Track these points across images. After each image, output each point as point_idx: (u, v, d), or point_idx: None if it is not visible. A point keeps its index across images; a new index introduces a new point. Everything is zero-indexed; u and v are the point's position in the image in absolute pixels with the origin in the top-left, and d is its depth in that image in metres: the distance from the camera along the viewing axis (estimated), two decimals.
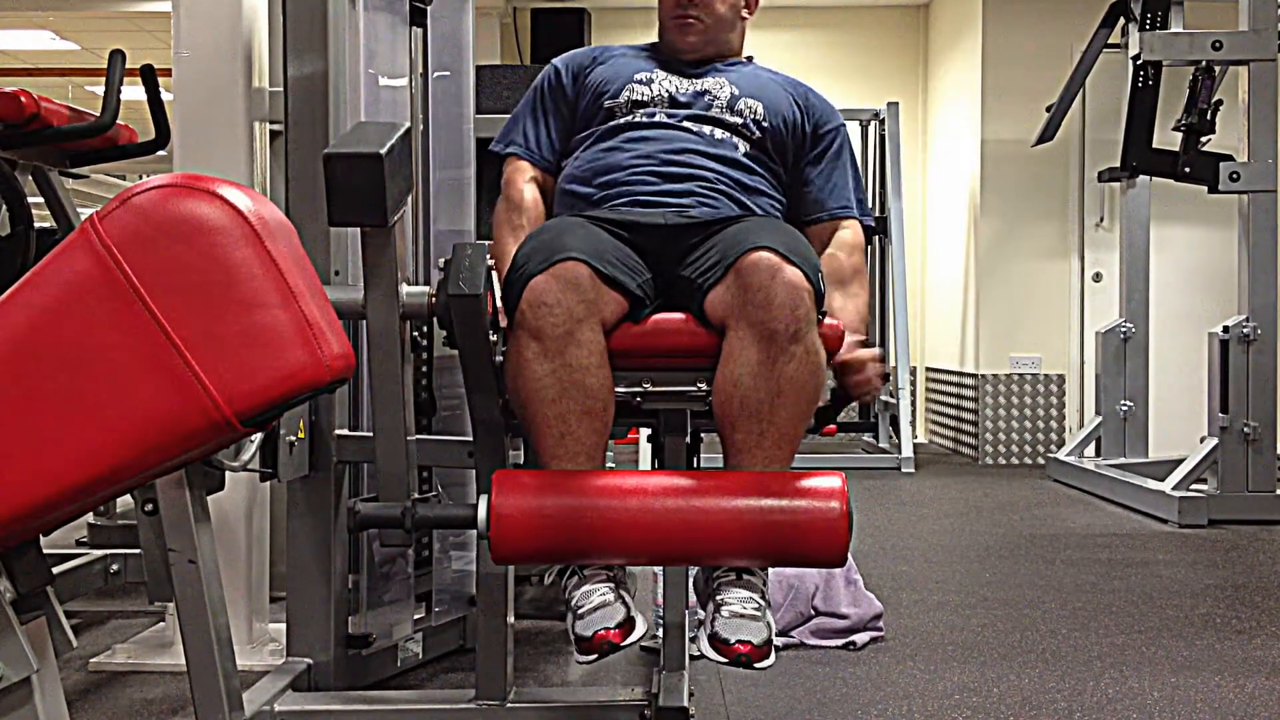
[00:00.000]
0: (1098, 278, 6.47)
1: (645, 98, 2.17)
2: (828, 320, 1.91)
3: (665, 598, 2.37)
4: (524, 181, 2.20)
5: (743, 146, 2.14)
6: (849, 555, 2.91)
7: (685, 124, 2.14)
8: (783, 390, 1.77)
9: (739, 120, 2.16)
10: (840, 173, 2.24)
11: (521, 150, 2.23)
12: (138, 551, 2.84)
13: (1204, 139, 4.92)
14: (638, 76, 2.21)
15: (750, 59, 2.34)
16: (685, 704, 1.99)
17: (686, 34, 2.24)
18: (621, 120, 2.16)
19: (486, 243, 1.87)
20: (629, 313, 1.86)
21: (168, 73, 2.77)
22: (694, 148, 2.10)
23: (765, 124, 2.17)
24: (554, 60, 2.31)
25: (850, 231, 2.21)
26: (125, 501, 3.49)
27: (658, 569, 2.63)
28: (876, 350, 2.02)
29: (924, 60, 7.70)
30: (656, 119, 2.14)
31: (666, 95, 2.18)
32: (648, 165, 2.08)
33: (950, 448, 7.10)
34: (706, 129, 2.14)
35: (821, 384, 1.83)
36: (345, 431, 2.26)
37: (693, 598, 2.67)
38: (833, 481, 1.70)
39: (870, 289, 6.79)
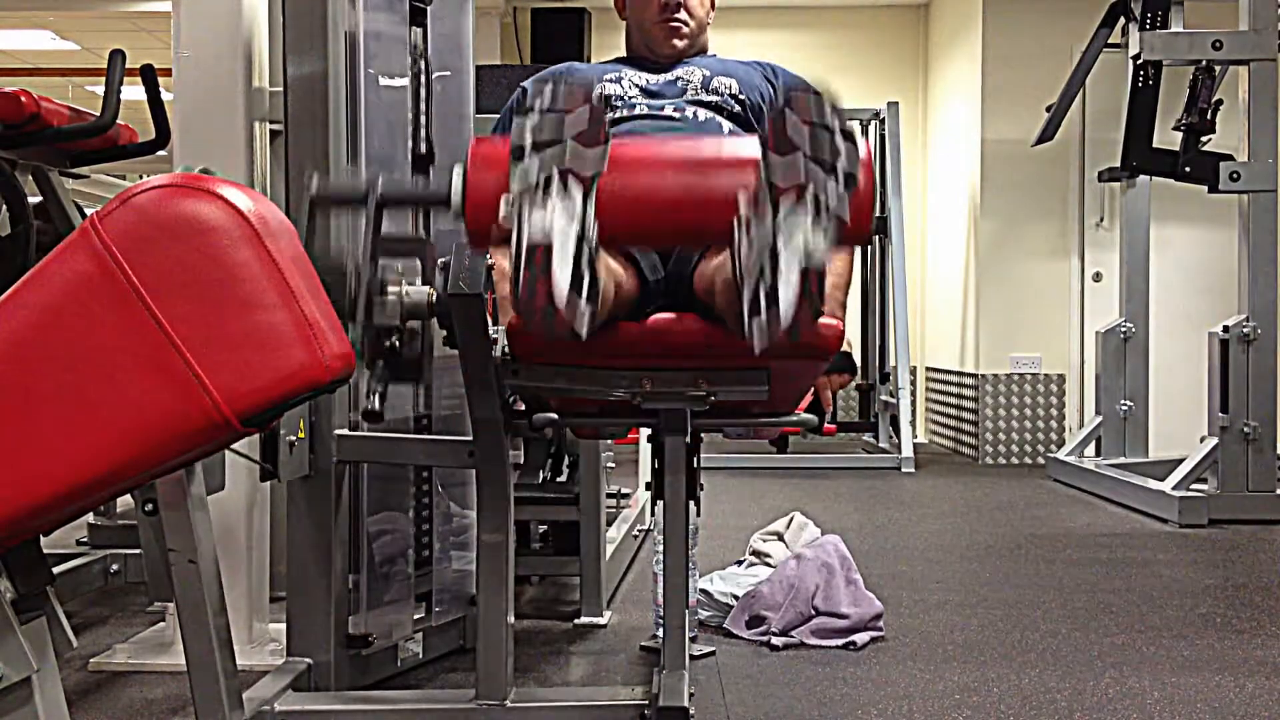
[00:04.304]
0: (1098, 278, 6.47)
1: (617, 92, 2.20)
2: (823, 320, 1.92)
3: (665, 598, 2.36)
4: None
5: (726, 125, 2.17)
6: (847, 555, 2.92)
7: (667, 111, 2.16)
8: None
9: (717, 98, 2.19)
10: None
11: None
12: (138, 551, 2.84)
13: (1204, 139, 4.92)
14: (607, 77, 2.24)
15: (714, 55, 2.37)
16: (685, 704, 1.98)
17: (674, 37, 2.27)
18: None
19: None
20: (637, 299, 1.86)
21: (168, 73, 2.77)
22: (682, 130, 2.12)
23: (743, 98, 2.20)
24: (521, 83, 2.35)
25: None
26: (125, 501, 3.49)
27: (658, 568, 2.63)
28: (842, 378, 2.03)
29: (924, 60, 7.70)
30: (637, 110, 2.16)
31: (638, 88, 2.20)
32: None
33: (950, 448, 7.10)
34: (689, 110, 2.16)
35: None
36: (345, 431, 2.26)
37: (693, 597, 2.68)
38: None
39: (870, 289, 6.83)
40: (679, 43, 2.28)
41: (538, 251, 1.37)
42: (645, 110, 2.16)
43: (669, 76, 2.24)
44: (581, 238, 1.38)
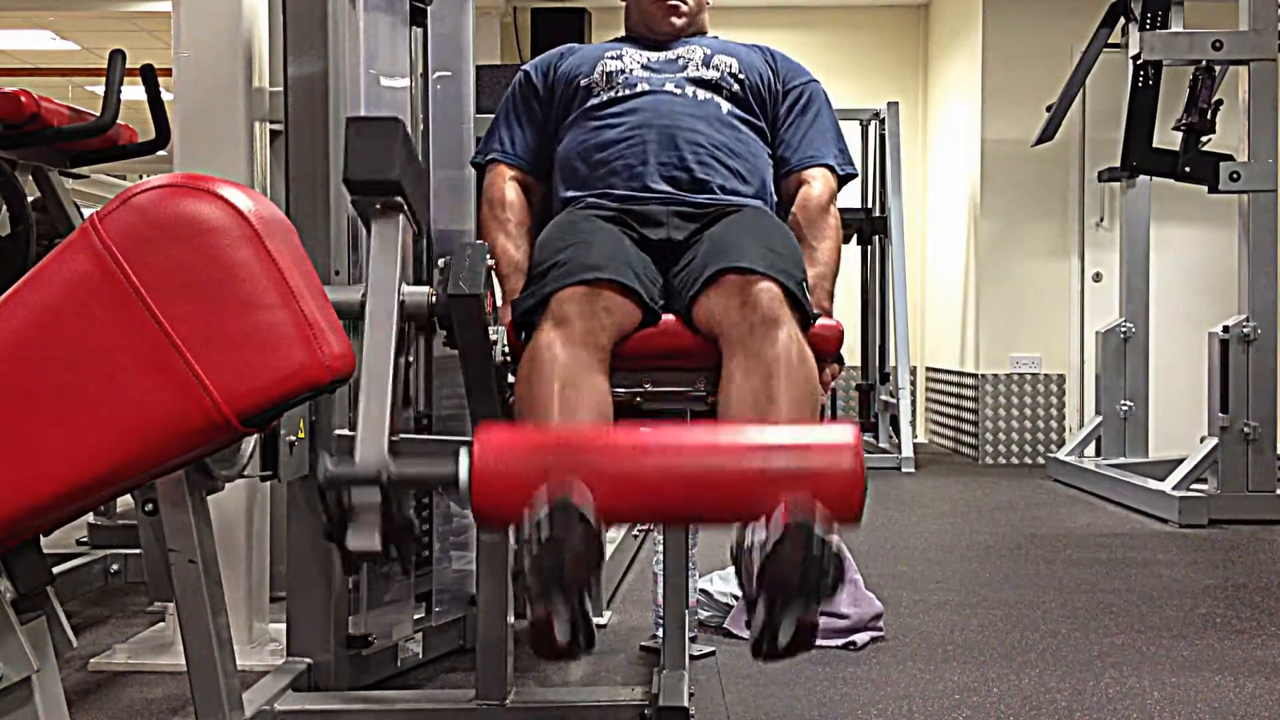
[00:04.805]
0: (1098, 278, 6.47)
1: (619, 67, 2.21)
2: (822, 321, 1.92)
3: (665, 598, 2.37)
4: (504, 182, 2.23)
5: (725, 105, 2.18)
6: (847, 555, 2.92)
7: (667, 88, 2.17)
8: (774, 374, 1.74)
9: (716, 75, 2.20)
10: (813, 126, 2.25)
11: (499, 154, 2.27)
12: (138, 551, 2.84)
13: (1204, 139, 4.92)
14: (609, 54, 2.25)
15: (715, 36, 2.38)
16: (685, 704, 1.99)
17: (672, 15, 2.29)
18: (605, 96, 2.19)
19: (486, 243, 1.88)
20: (641, 323, 1.88)
21: (168, 73, 2.77)
22: (681, 110, 2.14)
23: (742, 77, 2.21)
24: (523, 66, 2.35)
25: (819, 182, 2.19)
26: (125, 501, 3.49)
27: (658, 568, 2.63)
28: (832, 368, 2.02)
29: (924, 60, 7.70)
30: (638, 88, 2.17)
31: (639, 64, 2.22)
32: (639, 136, 2.11)
33: (950, 448, 7.10)
34: (689, 89, 2.17)
35: (813, 372, 1.80)
36: (345, 431, 2.26)
37: (693, 597, 2.68)
38: (844, 433, 1.49)
39: (870, 289, 6.83)
40: (677, 20, 2.29)
41: (539, 627, 1.41)
42: (646, 87, 2.17)
43: (669, 54, 2.25)
44: (575, 623, 1.42)
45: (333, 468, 1.53)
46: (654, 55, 2.25)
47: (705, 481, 1.50)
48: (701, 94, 2.17)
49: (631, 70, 2.20)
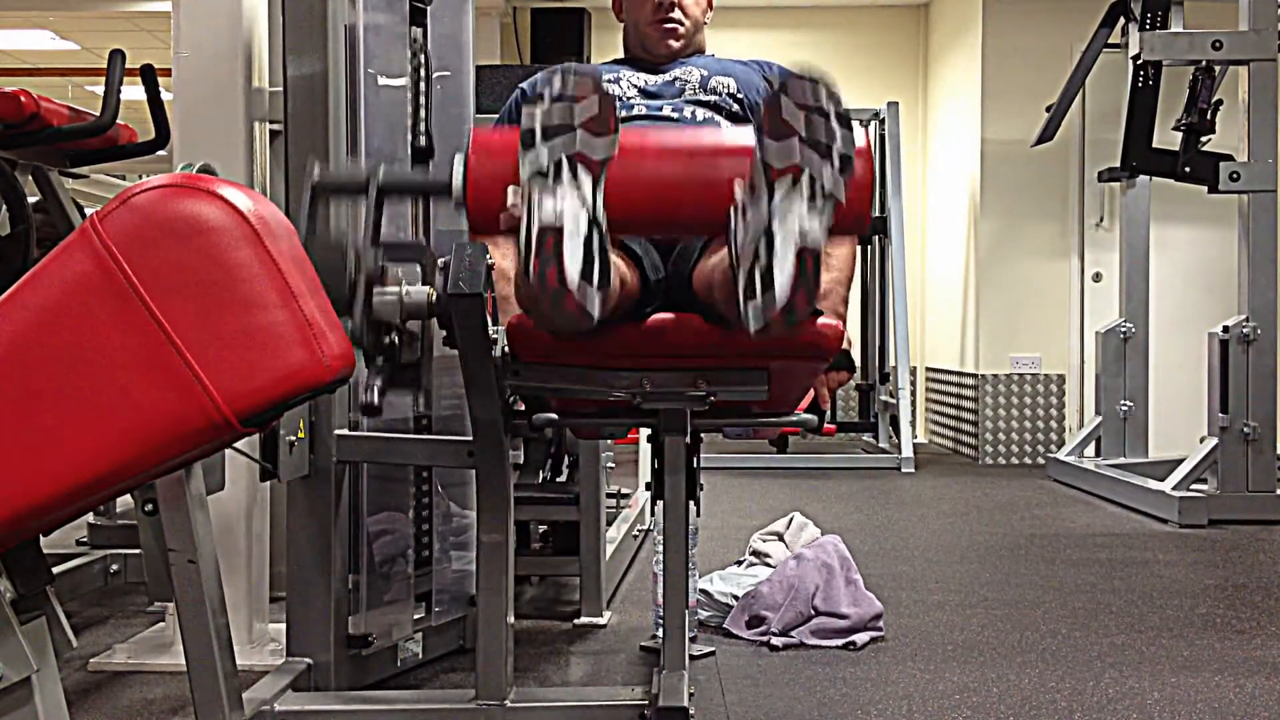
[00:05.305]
0: (1098, 278, 6.47)
1: (615, 93, 2.20)
2: (822, 320, 1.92)
3: (665, 598, 2.36)
4: None
5: (725, 125, 2.17)
6: (847, 555, 2.92)
7: (665, 111, 2.16)
8: None
9: (715, 97, 2.19)
10: None
11: None
12: (138, 551, 2.84)
13: (1204, 139, 4.92)
14: (605, 78, 2.24)
15: (711, 55, 2.38)
16: (685, 704, 1.98)
17: (670, 38, 2.28)
18: None
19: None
20: (638, 298, 1.87)
21: (168, 73, 2.77)
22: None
23: (741, 97, 2.20)
24: (520, 85, 2.35)
25: None
26: (125, 501, 3.49)
27: (658, 569, 2.63)
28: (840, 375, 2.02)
29: (924, 60, 7.70)
30: (635, 111, 2.17)
31: (637, 89, 2.21)
32: None
33: (950, 448, 7.10)
34: (688, 110, 2.17)
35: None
36: (345, 431, 2.26)
37: (693, 597, 2.68)
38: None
39: (870, 289, 6.83)
40: (674, 43, 2.28)
41: (548, 236, 1.36)
42: (643, 111, 2.17)
43: (667, 77, 2.25)
44: (592, 222, 1.38)
45: (324, 176, 1.48)
46: (652, 78, 2.24)
47: (701, 147, 1.46)
48: (701, 114, 2.17)
49: (628, 96, 2.20)
